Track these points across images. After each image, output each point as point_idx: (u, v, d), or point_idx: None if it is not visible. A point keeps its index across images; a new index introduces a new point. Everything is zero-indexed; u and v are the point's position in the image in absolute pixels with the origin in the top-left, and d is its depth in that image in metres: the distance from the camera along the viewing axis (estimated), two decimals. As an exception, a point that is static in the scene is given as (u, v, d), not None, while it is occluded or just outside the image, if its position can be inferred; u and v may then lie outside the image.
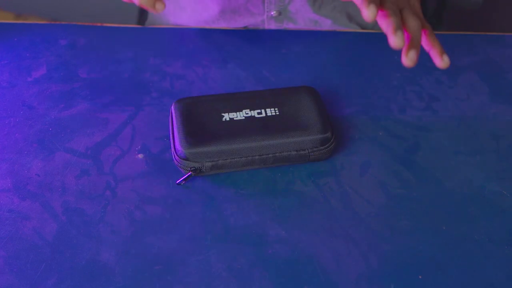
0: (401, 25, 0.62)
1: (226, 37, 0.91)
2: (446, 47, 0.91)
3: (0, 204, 0.68)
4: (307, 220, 0.67)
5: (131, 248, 0.64)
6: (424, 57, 0.88)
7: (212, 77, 0.84)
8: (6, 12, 1.49)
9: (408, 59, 0.61)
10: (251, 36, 0.92)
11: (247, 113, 0.72)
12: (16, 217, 0.66)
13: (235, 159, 0.69)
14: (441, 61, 0.65)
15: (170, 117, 0.75)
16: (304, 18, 0.93)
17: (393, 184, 0.70)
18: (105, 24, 0.94)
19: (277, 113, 0.72)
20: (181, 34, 0.92)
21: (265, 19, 0.93)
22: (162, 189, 0.69)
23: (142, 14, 1.15)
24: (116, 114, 0.78)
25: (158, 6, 0.63)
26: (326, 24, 0.94)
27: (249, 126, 0.70)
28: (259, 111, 0.72)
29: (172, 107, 0.74)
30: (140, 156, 0.73)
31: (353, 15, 0.95)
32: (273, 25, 0.94)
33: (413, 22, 0.64)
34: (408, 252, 0.64)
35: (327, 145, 0.71)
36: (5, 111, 0.79)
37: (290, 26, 0.94)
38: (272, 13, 0.92)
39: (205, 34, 0.92)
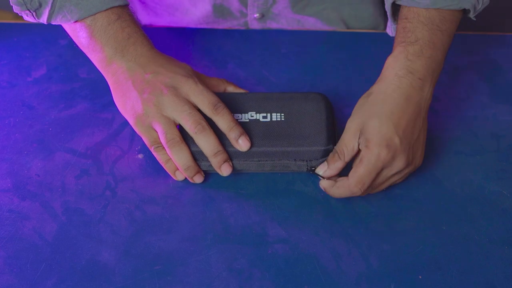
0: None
1: (226, 37, 0.91)
2: (446, 47, 0.91)
3: (0, 204, 0.68)
4: (307, 220, 0.67)
5: (131, 248, 0.64)
6: (424, 57, 0.88)
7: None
8: (6, 12, 1.49)
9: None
10: (251, 36, 0.92)
11: (252, 116, 0.70)
12: (16, 217, 0.66)
13: (232, 162, 0.69)
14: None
15: None
16: (287, 18, 0.94)
17: (393, 184, 0.70)
18: (105, 24, 0.94)
19: (282, 119, 0.70)
20: (181, 34, 0.92)
21: (248, 20, 0.93)
22: (162, 189, 0.69)
23: None
24: (116, 114, 0.78)
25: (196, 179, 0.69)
26: (309, 23, 0.94)
27: (252, 130, 0.69)
28: (264, 115, 0.70)
29: None
30: (140, 156, 0.73)
31: (344, 19, 0.95)
32: (256, 26, 0.94)
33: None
34: (408, 252, 0.64)
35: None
36: (5, 111, 0.79)
37: (273, 25, 0.94)
38: (255, 15, 0.92)
39: (205, 34, 0.92)
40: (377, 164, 0.65)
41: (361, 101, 0.70)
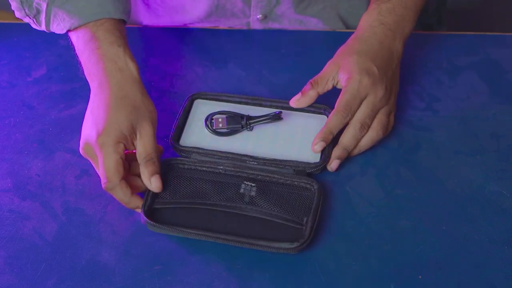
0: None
1: (226, 37, 0.91)
2: (446, 47, 0.91)
3: (0, 204, 0.68)
4: (307, 220, 0.67)
5: (131, 248, 0.64)
6: (424, 57, 0.88)
7: (212, 77, 0.84)
8: (6, 12, 1.49)
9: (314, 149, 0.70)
10: (251, 36, 0.92)
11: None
12: (16, 217, 0.66)
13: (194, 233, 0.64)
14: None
15: (182, 106, 0.76)
16: (290, 19, 0.94)
17: (393, 184, 0.70)
18: (105, 24, 0.94)
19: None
20: (181, 34, 0.92)
21: (250, 21, 0.93)
22: (162, 189, 0.69)
23: None
24: (116, 114, 0.78)
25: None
26: (311, 23, 0.94)
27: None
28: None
29: (188, 99, 0.77)
30: (140, 156, 0.73)
31: (342, 16, 0.95)
32: (258, 27, 0.94)
33: (349, 141, 0.70)
34: (408, 252, 0.64)
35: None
36: (5, 111, 0.79)
37: (275, 26, 0.94)
38: (258, 16, 0.92)
39: (205, 34, 0.92)
40: (360, 89, 0.70)
41: (339, 50, 0.76)
